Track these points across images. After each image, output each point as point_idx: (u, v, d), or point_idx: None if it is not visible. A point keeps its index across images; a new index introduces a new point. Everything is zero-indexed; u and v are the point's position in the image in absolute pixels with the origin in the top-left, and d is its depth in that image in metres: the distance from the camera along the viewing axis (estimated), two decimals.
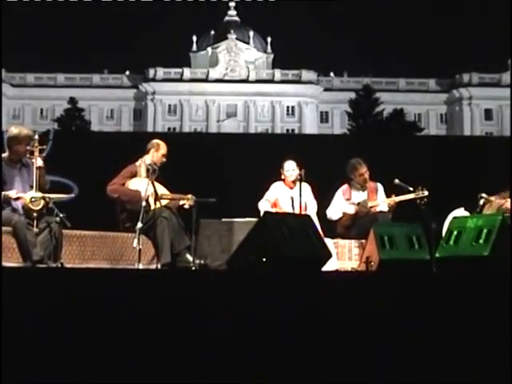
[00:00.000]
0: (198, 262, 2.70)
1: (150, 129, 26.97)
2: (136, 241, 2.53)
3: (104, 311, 1.40)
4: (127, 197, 2.76)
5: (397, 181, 3.06)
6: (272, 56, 29.82)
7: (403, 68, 29.88)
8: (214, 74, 28.57)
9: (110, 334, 1.37)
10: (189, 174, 3.51)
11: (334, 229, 3.14)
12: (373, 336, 1.43)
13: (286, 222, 2.23)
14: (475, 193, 3.00)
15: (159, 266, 2.68)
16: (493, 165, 3.45)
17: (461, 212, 3.03)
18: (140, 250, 2.55)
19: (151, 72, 28.23)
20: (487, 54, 33.09)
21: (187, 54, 30.06)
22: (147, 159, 2.84)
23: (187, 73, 28.56)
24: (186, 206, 2.78)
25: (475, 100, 27.55)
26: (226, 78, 28.53)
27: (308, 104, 28.24)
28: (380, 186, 3.22)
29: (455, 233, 2.30)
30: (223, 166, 3.91)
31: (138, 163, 2.87)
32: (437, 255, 2.36)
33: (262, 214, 3.02)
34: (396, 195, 3.08)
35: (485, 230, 2.22)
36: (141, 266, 2.57)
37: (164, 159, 2.89)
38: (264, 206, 3.10)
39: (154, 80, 28.16)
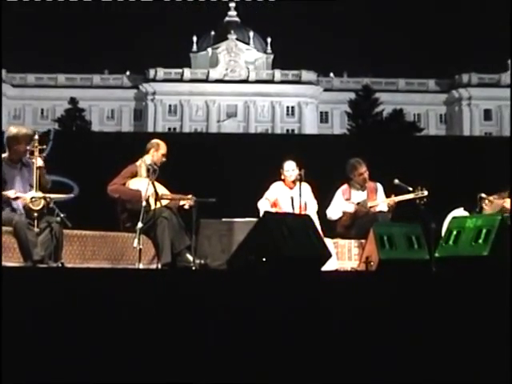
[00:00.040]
0: (198, 261, 2.71)
1: (150, 129, 27.01)
2: (136, 241, 2.54)
3: (104, 311, 1.41)
4: (128, 196, 2.77)
5: (396, 181, 3.06)
6: (272, 56, 29.87)
7: (403, 68, 29.92)
8: (214, 74, 28.60)
9: (111, 333, 1.37)
10: (189, 174, 3.52)
11: (333, 229, 3.15)
12: (372, 336, 1.44)
13: (286, 222, 2.23)
14: (474, 193, 3.00)
15: (159, 266, 2.69)
16: (492, 165, 3.46)
17: (460, 212, 3.03)
18: (140, 249, 2.56)
19: (151, 72, 28.28)
20: (486, 54, 33.16)
21: (187, 54, 30.12)
22: (147, 159, 2.85)
23: (187, 73, 28.60)
24: (186, 207, 2.79)
25: (474, 100, 27.63)
26: (226, 78, 28.56)
27: (308, 104, 28.28)
28: (380, 186, 3.22)
29: (454, 233, 2.30)
30: (223, 166, 3.91)
31: (138, 163, 2.88)
32: (436, 255, 2.36)
33: (261, 213, 3.03)
34: (395, 195, 3.09)
35: (484, 230, 2.22)
36: (141, 266, 2.57)
37: (164, 159, 2.89)
38: (263, 205, 3.11)
39: (154, 80, 28.21)
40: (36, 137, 2.53)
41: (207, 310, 1.44)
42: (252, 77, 28.58)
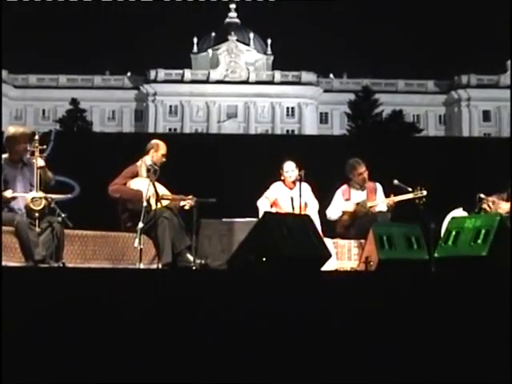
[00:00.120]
0: (198, 261, 2.71)
1: (151, 130, 27.06)
2: (137, 241, 2.55)
3: (105, 310, 1.42)
4: (129, 196, 2.78)
5: (396, 181, 3.07)
6: (272, 57, 29.90)
7: (402, 69, 30.06)
8: (215, 75, 28.64)
9: (111, 333, 1.38)
10: (189, 175, 3.52)
11: (333, 229, 3.15)
12: (372, 335, 1.45)
13: (285, 222, 2.24)
14: (474, 193, 3.01)
15: (160, 266, 2.70)
16: (491, 165, 3.47)
17: (459, 212, 3.03)
18: (141, 249, 2.56)
19: (152, 73, 28.32)
20: (485, 55, 33.26)
21: (188, 55, 30.16)
22: (147, 160, 2.86)
23: (188, 74, 28.65)
24: (187, 207, 2.79)
25: (473, 101, 27.67)
26: (227, 79, 28.60)
27: (308, 105, 28.31)
28: (379, 186, 3.23)
29: (454, 233, 2.31)
30: (224, 167, 3.92)
31: (138, 163, 2.88)
32: (435, 255, 2.37)
33: (260, 212, 3.04)
34: (395, 195, 3.09)
35: (483, 231, 2.22)
36: (142, 266, 2.57)
37: (164, 159, 2.90)
38: (263, 204, 3.11)
39: (155, 81, 28.24)
40: (36, 137, 2.54)
41: (207, 310, 1.45)
42: (252, 78, 28.62)
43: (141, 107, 28.51)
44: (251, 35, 29.85)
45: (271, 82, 28.40)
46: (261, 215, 2.96)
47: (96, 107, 27.58)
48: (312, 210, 3.08)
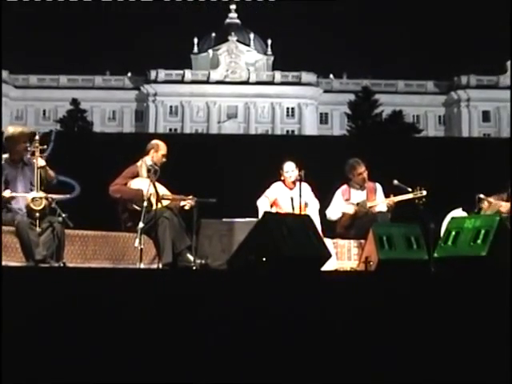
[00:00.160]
0: (198, 261, 2.71)
1: (151, 130, 27.09)
2: (138, 240, 2.55)
3: (106, 310, 1.42)
4: (129, 196, 2.78)
5: (395, 181, 3.07)
6: (272, 58, 29.92)
7: (402, 70, 30.07)
8: (215, 75, 28.66)
9: (112, 333, 1.38)
10: (190, 175, 3.53)
11: (333, 229, 3.16)
12: (372, 335, 1.45)
13: (285, 222, 2.24)
14: (473, 193, 3.02)
15: (160, 266, 2.70)
16: (490, 166, 3.48)
17: (459, 212, 3.03)
18: (141, 249, 2.57)
19: (153, 74, 28.35)
20: (485, 56, 33.33)
21: (188, 55, 30.16)
22: (148, 160, 2.86)
23: (188, 74, 28.67)
24: (187, 207, 2.80)
25: (473, 102, 27.71)
26: (227, 79, 28.62)
27: (308, 105, 28.33)
28: (379, 186, 3.23)
29: (453, 233, 2.31)
30: (224, 167, 3.92)
31: (139, 163, 2.89)
32: (435, 255, 2.37)
33: (260, 211, 3.04)
34: (394, 195, 3.10)
35: (482, 231, 2.23)
36: (142, 266, 2.58)
37: (164, 159, 2.90)
38: (263, 203, 3.11)
39: (155, 82, 28.27)
40: (37, 137, 2.55)
41: (207, 310, 1.46)
42: (252, 78, 28.63)
43: (141, 107, 28.53)
44: (251, 36, 29.87)
45: (271, 83, 28.40)
46: (260, 215, 2.97)
47: (96, 107, 27.60)
48: (313, 209, 3.09)
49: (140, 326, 1.40)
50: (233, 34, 29.22)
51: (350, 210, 3.13)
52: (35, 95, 27.55)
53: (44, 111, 27.98)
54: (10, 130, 2.57)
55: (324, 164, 3.47)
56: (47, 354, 1.33)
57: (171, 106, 28.49)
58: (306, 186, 3.07)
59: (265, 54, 30.08)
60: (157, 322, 1.42)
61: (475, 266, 2.18)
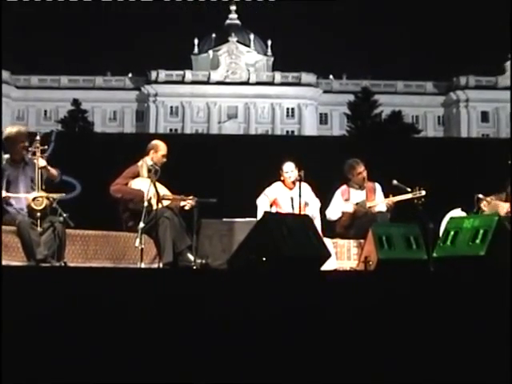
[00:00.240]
0: (199, 261, 2.72)
1: (152, 130, 27.12)
2: (138, 240, 2.56)
3: (106, 310, 1.43)
4: (130, 196, 2.79)
5: (395, 182, 3.08)
6: (272, 59, 29.94)
7: (401, 70, 30.09)
8: (215, 76, 28.67)
9: (112, 332, 1.39)
10: (190, 175, 3.53)
11: (333, 229, 3.16)
12: (371, 334, 1.46)
13: (285, 222, 2.25)
14: (472, 194, 3.03)
15: (161, 265, 2.71)
16: (489, 166, 3.48)
17: (458, 212, 3.04)
18: (142, 249, 2.58)
19: (153, 74, 28.36)
20: (484, 57, 33.34)
21: (189, 56, 30.19)
22: (148, 160, 2.87)
23: (189, 75, 28.69)
24: (187, 207, 2.81)
25: (472, 102, 27.75)
26: (227, 80, 28.63)
27: (307, 106, 28.35)
28: (378, 186, 3.24)
29: (452, 233, 2.32)
30: (224, 167, 3.93)
31: (139, 163, 2.90)
32: (434, 255, 2.38)
33: (259, 210, 3.05)
34: (394, 195, 3.11)
35: (481, 231, 2.23)
36: (143, 265, 2.59)
37: (164, 159, 2.91)
38: (262, 202, 3.11)
39: (156, 82, 28.29)
40: (38, 137, 2.56)
41: (208, 309, 1.46)
42: (252, 79, 28.63)
43: (142, 108, 28.53)
44: (251, 36, 29.88)
45: (271, 83, 28.43)
46: (260, 214, 2.99)
47: (97, 108, 27.62)
48: (314, 208, 3.10)
49: (140, 325, 1.41)
50: (233, 34, 29.23)
51: (350, 208, 3.14)
52: (36, 96, 27.59)
53: (45, 111, 28.00)
54: (8, 130, 2.58)
55: (324, 164, 3.48)
56: (47, 354, 1.33)
57: (172, 107, 28.49)
58: (305, 186, 3.08)
59: (265, 54, 30.09)
60: (157, 321, 1.43)
61: (474, 266, 2.18)
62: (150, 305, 1.45)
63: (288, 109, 28.58)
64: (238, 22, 30.69)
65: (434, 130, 27.78)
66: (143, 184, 2.79)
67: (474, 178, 3.58)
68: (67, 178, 3.04)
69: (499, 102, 26.54)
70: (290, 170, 3.14)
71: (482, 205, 2.98)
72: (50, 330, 1.37)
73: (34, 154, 2.53)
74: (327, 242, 2.69)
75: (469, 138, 19.57)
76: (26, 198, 2.47)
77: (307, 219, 2.57)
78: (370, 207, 3.17)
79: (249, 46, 29.66)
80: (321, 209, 3.19)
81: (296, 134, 27.25)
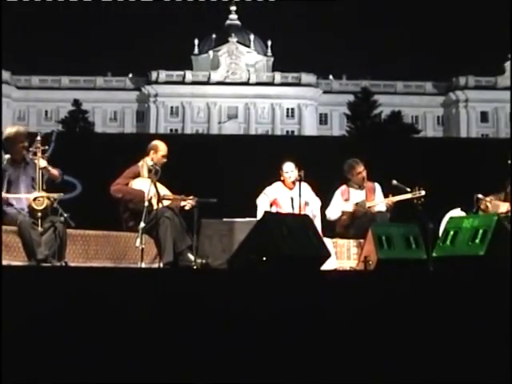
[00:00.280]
0: (199, 261, 2.73)
1: (152, 130, 27.15)
2: (139, 240, 2.57)
3: (107, 309, 1.43)
4: (131, 196, 2.80)
5: (394, 182, 3.08)
6: (272, 59, 29.94)
7: (401, 71, 30.09)
8: (216, 76, 28.69)
9: (113, 332, 1.39)
10: (190, 175, 3.54)
11: (333, 228, 3.17)
12: (371, 334, 1.46)
13: (285, 222, 2.26)
14: (471, 193, 3.03)
15: (161, 265, 2.72)
16: (489, 166, 3.49)
17: (457, 212, 3.04)
18: (143, 249, 2.58)
19: (154, 75, 28.39)
20: (483, 57, 33.33)
21: (189, 57, 30.19)
22: (148, 160, 2.88)
23: (189, 75, 28.71)
24: (187, 207, 2.81)
25: (471, 102, 27.77)
26: (227, 80, 28.65)
27: (307, 106, 28.36)
28: (378, 186, 3.24)
29: (452, 233, 2.32)
30: (224, 167, 3.94)
31: (140, 164, 2.91)
32: (434, 255, 2.38)
33: (259, 209, 3.05)
34: (393, 195, 3.11)
35: (481, 230, 2.24)
36: (143, 265, 2.59)
37: (164, 160, 2.92)
38: (262, 201, 3.12)
39: (156, 82, 28.32)
40: (39, 138, 2.57)
41: (208, 309, 1.47)
42: (252, 79, 28.64)
43: (142, 108, 28.55)
44: (251, 37, 29.89)
45: (271, 84, 28.45)
46: (260, 213, 2.99)
47: (98, 108, 27.63)
48: (315, 207, 3.10)
49: (141, 325, 1.41)
50: (233, 35, 29.24)
51: (349, 208, 3.14)
52: (37, 96, 27.60)
53: (46, 112, 28.03)
54: (7, 130, 2.60)
55: (323, 164, 3.48)
56: (48, 354, 1.33)
57: (172, 107, 28.51)
58: (305, 186, 3.08)
59: (265, 55, 30.10)
60: (157, 321, 1.43)
61: (473, 266, 2.19)
62: (150, 304, 1.45)
63: (288, 109, 28.59)
64: (238, 22, 30.69)
65: (434, 130, 27.78)
66: (144, 184, 2.80)
67: (473, 178, 3.58)
68: (68, 178, 3.05)
69: (498, 102, 26.60)
70: (289, 170, 3.15)
71: (481, 205, 2.98)
72: (51, 329, 1.38)
73: (34, 154, 2.54)
74: (327, 241, 2.69)
75: (468, 138, 19.62)
76: (26, 198, 2.48)
77: (307, 219, 2.57)
78: (369, 207, 3.17)
79: (249, 47, 29.66)
80: (321, 208, 3.19)
81: (296, 134, 27.24)
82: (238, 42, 29.33)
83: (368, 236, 2.58)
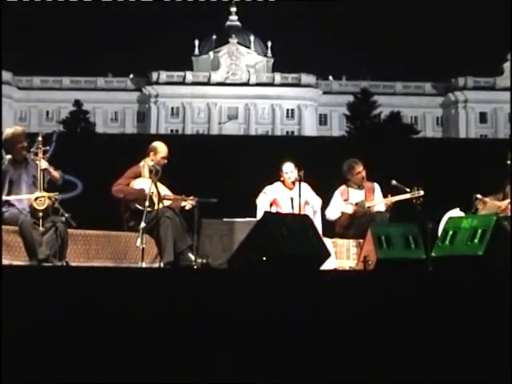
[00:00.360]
0: (199, 260, 2.74)
1: (153, 131, 27.18)
2: (139, 240, 2.57)
3: (107, 309, 1.44)
4: (132, 196, 2.80)
5: (394, 182, 3.09)
6: (272, 60, 29.94)
7: (400, 71, 30.07)
8: (216, 77, 28.71)
9: (113, 331, 1.40)
10: (191, 175, 3.55)
11: (332, 228, 3.18)
12: (371, 333, 1.47)
13: (285, 222, 2.26)
14: (470, 194, 3.04)
15: (162, 265, 2.72)
16: (488, 166, 3.50)
17: (456, 212, 3.05)
18: (143, 248, 2.59)
19: (154, 75, 28.42)
20: (482, 57, 33.33)
21: (189, 57, 30.18)
22: (149, 161, 2.89)
23: (189, 76, 28.74)
24: (188, 207, 2.82)
25: (470, 103, 27.77)
26: (228, 81, 28.68)
27: (307, 107, 28.38)
28: (377, 186, 3.25)
29: (451, 233, 2.33)
30: (224, 167, 3.95)
31: (141, 164, 2.91)
32: (433, 254, 2.39)
33: (258, 209, 3.06)
34: (392, 195, 3.12)
35: (479, 230, 2.25)
36: (144, 265, 2.60)
37: (164, 161, 2.92)
38: (262, 200, 3.12)
39: (157, 83, 28.34)
40: (40, 138, 2.58)
41: (208, 308, 1.47)
42: (253, 80, 28.66)
43: (143, 109, 28.55)
44: (252, 38, 29.89)
45: (271, 84, 28.47)
46: (260, 212, 3.00)
47: (99, 108, 27.65)
48: (315, 204, 3.11)
49: (141, 325, 1.42)
50: (233, 36, 29.25)
51: (349, 209, 3.15)
52: (38, 96, 27.61)
53: (47, 112, 28.03)
54: (6, 131, 2.61)
55: (323, 164, 3.49)
56: (48, 354, 1.34)
57: (172, 108, 28.52)
58: (305, 186, 3.09)
59: (265, 55, 30.09)
60: (158, 320, 1.44)
61: (472, 265, 2.19)
62: (150, 304, 1.46)
63: (288, 110, 28.61)
64: (238, 23, 30.69)
65: (433, 131, 27.78)
66: (145, 184, 2.80)
67: (472, 179, 3.59)
68: (68, 177, 3.06)
69: (497, 102, 26.63)
70: (289, 170, 3.16)
71: (479, 205, 2.99)
72: (52, 329, 1.38)
73: (36, 154, 2.55)
74: (327, 241, 2.69)
75: (467, 139, 19.64)
76: (28, 197, 2.49)
77: (307, 219, 2.58)
78: (369, 207, 3.18)
79: (249, 48, 29.66)
80: (321, 208, 3.20)
81: (296, 134, 27.25)
82: (238, 42, 29.35)
83: (367, 236, 2.59)
